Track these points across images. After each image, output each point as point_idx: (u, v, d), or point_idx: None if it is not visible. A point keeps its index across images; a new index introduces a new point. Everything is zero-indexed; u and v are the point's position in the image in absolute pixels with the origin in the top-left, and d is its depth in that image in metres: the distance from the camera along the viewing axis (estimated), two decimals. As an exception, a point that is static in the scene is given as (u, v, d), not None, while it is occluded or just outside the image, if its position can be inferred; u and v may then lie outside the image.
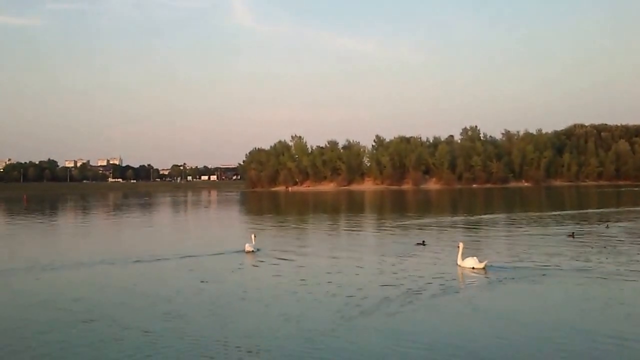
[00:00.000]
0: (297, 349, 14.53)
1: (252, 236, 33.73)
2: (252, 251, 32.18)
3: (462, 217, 62.69)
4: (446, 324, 16.77)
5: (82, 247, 39.09)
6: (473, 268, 24.69)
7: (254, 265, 28.67)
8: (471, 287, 22.28)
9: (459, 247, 26.23)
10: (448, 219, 59.49)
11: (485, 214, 68.36)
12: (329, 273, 25.16)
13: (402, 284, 22.08)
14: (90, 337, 15.86)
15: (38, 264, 29.70)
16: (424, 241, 35.08)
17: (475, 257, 25.03)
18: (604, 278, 23.37)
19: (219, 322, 17.21)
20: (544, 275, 23.81)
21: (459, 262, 25.56)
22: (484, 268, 24.47)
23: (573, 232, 38.94)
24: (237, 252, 32.69)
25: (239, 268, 27.87)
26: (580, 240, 36.35)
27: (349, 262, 28.75)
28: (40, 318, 18.03)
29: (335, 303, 19.17)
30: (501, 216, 62.96)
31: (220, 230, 54.38)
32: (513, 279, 23.07)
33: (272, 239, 38.97)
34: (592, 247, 32.60)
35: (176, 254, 32.38)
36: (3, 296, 22.26)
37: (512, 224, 51.93)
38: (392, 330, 16.10)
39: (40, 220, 70.23)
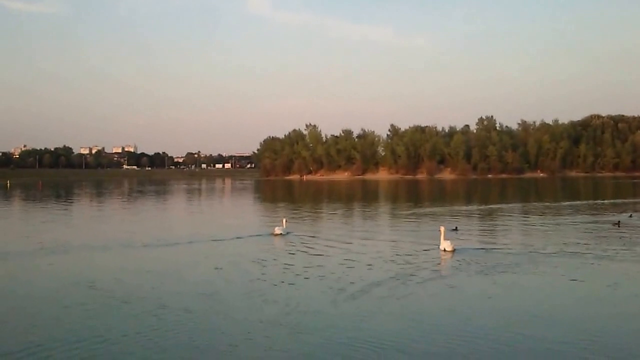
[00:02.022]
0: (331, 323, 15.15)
1: (283, 220, 35.83)
2: (281, 234, 33.59)
3: (476, 207, 62.75)
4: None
5: (106, 231, 39.60)
6: (444, 250, 26.81)
7: (284, 247, 29.83)
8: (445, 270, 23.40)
9: (440, 231, 28.07)
10: (462, 208, 59.57)
11: (499, 203, 68.20)
12: (349, 254, 25.96)
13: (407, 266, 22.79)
14: (132, 316, 16.21)
15: (68, 246, 30.53)
16: (456, 227, 36.42)
17: (448, 241, 27.23)
18: (592, 262, 23.81)
19: (256, 301, 17.73)
20: (516, 261, 24.81)
21: (440, 244, 27.48)
22: (452, 251, 26.65)
23: (619, 221, 38.44)
24: (266, 235, 34.54)
25: (271, 249, 29.29)
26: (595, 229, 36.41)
27: (365, 245, 29.80)
28: (82, 299, 18.32)
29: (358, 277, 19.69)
30: (514, 206, 62.85)
31: (242, 216, 55.16)
32: (478, 263, 24.24)
33: (295, 224, 39.63)
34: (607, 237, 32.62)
35: (204, 237, 33.78)
36: (39, 277, 22.56)
37: (524, 214, 51.96)
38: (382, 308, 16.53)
39: (57, 206, 70.81)
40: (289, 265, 24.10)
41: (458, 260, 24.84)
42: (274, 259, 25.73)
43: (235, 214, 58.86)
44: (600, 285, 20.20)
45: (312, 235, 34.98)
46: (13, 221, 51.21)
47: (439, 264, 24.80)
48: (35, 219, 51.69)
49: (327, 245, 30.01)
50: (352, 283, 20.08)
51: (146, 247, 30.63)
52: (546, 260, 25.00)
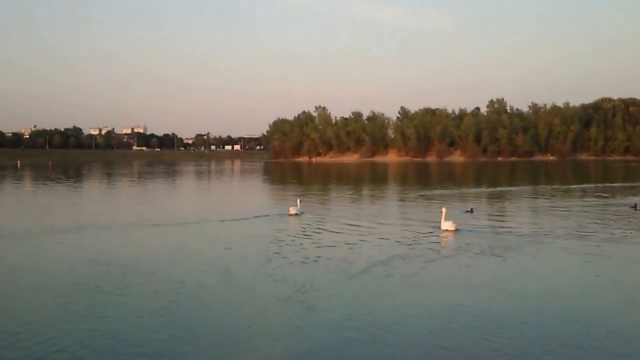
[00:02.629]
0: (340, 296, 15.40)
1: (298, 200, 36.60)
2: (296, 214, 34.09)
3: (485, 189, 62.75)
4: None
5: (116, 211, 40.06)
6: (447, 230, 27.43)
7: (299, 227, 30.14)
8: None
9: (442, 212, 28.67)
10: (471, 191, 59.64)
11: (508, 186, 68.10)
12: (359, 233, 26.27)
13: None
14: (148, 292, 16.43)
15: (78, 225, 30.87)
16: (472, 209, 36.86)
17: (450, 221, 27.90)
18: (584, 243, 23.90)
19: (271, 278, 18.04)
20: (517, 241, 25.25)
21: (441, 225, 28.03)
22: (454, 230, 27.30)
23: (635, 204, 38.28)
24: (278, 215, 35.19)
25: (286, 229, 29.70)
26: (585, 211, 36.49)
27: (373, 226, 29.99)
28: (94, 276, 18.54)
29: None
30: (524, 188, 62.76)
31: (254, 197, 56.01)
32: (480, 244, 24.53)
33: (307, 206, 39.69)
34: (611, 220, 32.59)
35: (217, 217, 34.34)
36: (49, 256, 22.71)
37: (533, 196, 51.95)
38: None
39: (67, 187, 71.30)
40: (303, 244, 24.42)
41: (460, 240, 25.28)
42: (290, 238, 26.00)
43: (247, 195, 59.46)
44: (609, 268, 20.26)
45: (325, 215, 35.54)
46: (24, 201, 51.61)
47: (441, 244, 25.36)
48: (45, 199, 52.19)
49: (338, 226, 30.39)
50: (363, 262, 20.47)
51: (159, 226, 30.97)
52: (551, 241, 25.18)
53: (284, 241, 25.11)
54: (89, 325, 13.50)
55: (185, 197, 58.39)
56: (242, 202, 48.25)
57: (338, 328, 13.24)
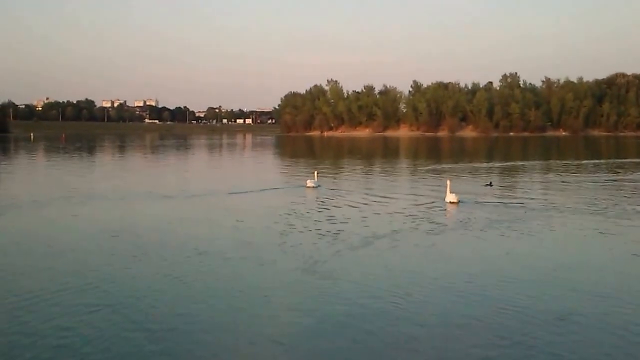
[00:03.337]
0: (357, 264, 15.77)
1: (315, 173, 37.45)
2: (313, 186, 34.80)
3: (496, 164, 62.98)
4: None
5: (135, 182, 40.87)
6: (450, 202, 28.34)
7: (317, 198, 31.11)
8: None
9: (447, 184, 29.66)
10: (482, 165, 59.94)
11: (519, 160, 68.27)
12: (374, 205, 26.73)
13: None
14: (164, 262, 16.68)
15: (94, 196, 31.75)
16: (491, 182, 37.58)
17: (453, 194, 28.77)
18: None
19: (288, 249, 18.31)
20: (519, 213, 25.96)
21: (446, 197, 28.96)
22: (457, 202, 28.23)
23: None
24: (297, 187, 36.25)
25: (305, 201, 30.56)
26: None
27: (384, 199, 30.52)
28: (108, 246, 18.83)
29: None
30: (535, 163, 63.01)
31: (270, 170, 57.07)
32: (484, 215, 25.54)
33: (321, 179, 40.12)
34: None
35: (236, 189, 35.16)
36: (64, 226, 23.02)
37: (544, 171, 52.22)
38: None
39: (81, 158, 72.22)
40: (322, 215, 25.05)
41: (462, 212, 26.21)
42: (308, 210, 26.66)
43: (262, 168, 60.24)
44: (622, 242, 20.36)
45: (341, 188, 36.07)
46: (38, 172, 52.30)
47: (445, 215, 26.16)
48: (59, 170, 52.65)
49: (353, 198, 31.05)
50: (379, 231, 21.09)
51: (176, 198, 31.42)
52: (560, 215, 25.47)
53: (303, 212, 25.70)
54: (104, 291, 13.80)
55: (200, 169, 59.13)
56: (259, 175, 48.79)
57: (356, 297, 13.51)
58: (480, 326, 11.68)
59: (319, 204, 28.57)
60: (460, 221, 23.91)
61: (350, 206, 27.92)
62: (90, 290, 13.90)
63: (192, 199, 31.14)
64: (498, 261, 17.19)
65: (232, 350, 10.70)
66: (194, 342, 10.84)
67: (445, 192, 29.16)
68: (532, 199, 31.14)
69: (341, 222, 23.18)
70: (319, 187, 34.89)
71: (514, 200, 30.10)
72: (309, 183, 35.31)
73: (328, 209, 26.84)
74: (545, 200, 30.61)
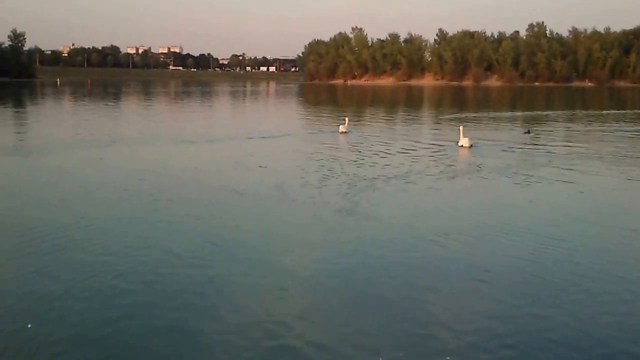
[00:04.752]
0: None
1: (346, 119, 38.47)
2: (345, 132, 36.09)
3: (520, 113, 63.43)
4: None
5: (163, 127, 41.81)
6: (462, 146, 29.78)
7: (349, 143, 32.22)
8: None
9: (460, 129, 31.05)
10: (505, 114, 60.51)
11: (543, 110, 68.43)
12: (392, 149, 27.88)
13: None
14: (200, 202, 16.96)
15: (120, 139, 32.39)
16: (529, 130, 38.48)
17: (467, 138, 30.23)
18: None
19: (324, 191, 18.60)
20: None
21: (459, 142, 30.38)
22: (469, 146, 29.63)
23: None
24: (331, 132, 37.48)
25: (338, 144, 31.91)
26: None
27: (407, 144, 31.40)
28: (142, 186, 19.32)
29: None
30: (559, 113, 63.12)
31: (299, 117, 57.98)
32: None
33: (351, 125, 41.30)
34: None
35: (268, 134, 36.32)
36: (92, 169, 22.95)
37: (567, 120, 52.60)
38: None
39: (107, 104, 73.60)
40: (353, 159, 25.86)
41: (475, 156, 27.38)
42: (341, 154, 27.49)
43: (290, 115, 61.31)
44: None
45: (370, 134, 37.38)
46: (64, 117, 53.37)
47: (457, 159, 27.30)
48: (85, 115, 53.74)
49: (382, 142, 32.28)
50: (408, 175, 21.78)
51: (204, 142, 32.31)
52: (580, 163, 25.46)
53: (337, 156, 26.43)
54: (136, 232, 13.83)
55: (227, 115, 60.25)
56: (288, 120, 50.31)
57: (391, 238, 13.67)
58: (506, 278, 11.22)
59: (351, 148, 29.63)
60: (484, 167, 24.08)
61: (381, 151, 28.68)
62: (119, 227, 14.20)
63: (220, 143, 31.98)
64: (524, 208, 17.07)
65: (264, 287, 10.65)
66: (229, 277, 11.03)
67: (459, 137, 30.36)
68: (556, 146, 31.66)
69: (372, 166, 23.77)
70: (350, 133, 35.93)
71: (537, 148, 30.68)
72: (341, 128, 36.41)
73: (360, 152, 27.94)
74: (569, 148, 31.00)
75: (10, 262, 11.71)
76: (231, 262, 11.84)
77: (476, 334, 8.76)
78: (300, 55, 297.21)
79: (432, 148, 30.06)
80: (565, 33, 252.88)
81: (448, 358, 8.01)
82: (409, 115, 61.48)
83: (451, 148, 29.73)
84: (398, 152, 28.38)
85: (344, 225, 14.75)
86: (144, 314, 9.29)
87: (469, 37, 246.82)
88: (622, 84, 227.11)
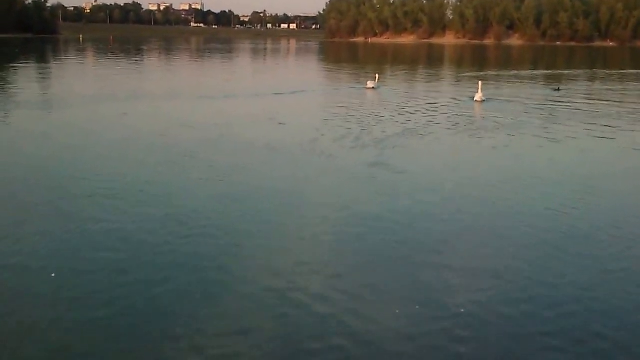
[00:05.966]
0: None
1: (377, 75, 39.70)
2: (373, 87, 37.53)
3: (540, 72, 64.51)
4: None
5: (185, 83, 43.11)
6: (476, 100, 31.68)
7: (378, 98, 34.27)
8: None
9: (478, 84, 33.09)
10: (525, 73, 61.46)
11: (564, 69, 69.25)
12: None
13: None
14: (243, 153, 17.66)
15: (142, 95, 33.48)
16: (559, 87, 39.26)
17: (480, 93, 32.09)
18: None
19: (350, 143, 19.55)
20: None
21: (476, 96, 32.20)
22: (481, 101, 31.50)
23: None
24: (361, 88, 38.74)
25: (368, 99, 33.93)
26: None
27: (428, 99, 33.06)
28: (167, 141, 19.77)
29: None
30: (580, 72, 63.90)
31: (324, 74, 59.71)
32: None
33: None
34: None
35: (295, 89, 37.77)
36: (115, 124, 23.32)
37: (588, 80, 53.80)
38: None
39: (130, 60, 75.47)
40: (384, 113, 27.16)
41: (487, 110, 29.14)
42: (372, 107, 29.34)
43: (315, 71, 63.15)
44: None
45: (398, 89, 39.37)
46: (87, 73, 54.67)
47: (472, 114, 28.70)
48: (108, 71, 54.76)
49: (413, 97, 34.66)
50: (425, 127, 23.53)
51: (237, 97, 33.88)
52: (594, 121, 25.84)
53: (369, 111, 27.67)
54: (156, 190, 13.79)
55: (251, 72, 61.45)
56: (314, 77, 52.16)
57: (419, 192, 14.03)
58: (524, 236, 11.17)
59: (381, 103, 31.24)
60: (503, 125, 24.76)
61: (411, 106, 30.05)
62: (146, 180, 14.54)
63: (247, 99, 33.06)
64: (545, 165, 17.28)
65: (297, 236, 10.92)
66: (260, 225, 11.27)
67: (477, 92, 32.17)
68: (575, 103, 32.70)
69: (404, 120, 25.06)
70: (379, 89, 37.31)
71: (557, 104, 31.76)
72: (370, 84, 37.65)
73: (390, 106, 29.47)
74: (589, 105, 32.12)
75: (35, 214, 11.83)
76: (262, 212, 12.05)
77: (493, 289, 8.80)
78: (321, 12, 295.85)
79: (451, 104, 31.39)
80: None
81: (462, 310, 8.10)
82: (431, 72, 62.69)
83: (465, 104, 31.56)
84: (428, 109, 29.16)
85: (373, 177, 15.33)
86: (176, 271, 9.19)
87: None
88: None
